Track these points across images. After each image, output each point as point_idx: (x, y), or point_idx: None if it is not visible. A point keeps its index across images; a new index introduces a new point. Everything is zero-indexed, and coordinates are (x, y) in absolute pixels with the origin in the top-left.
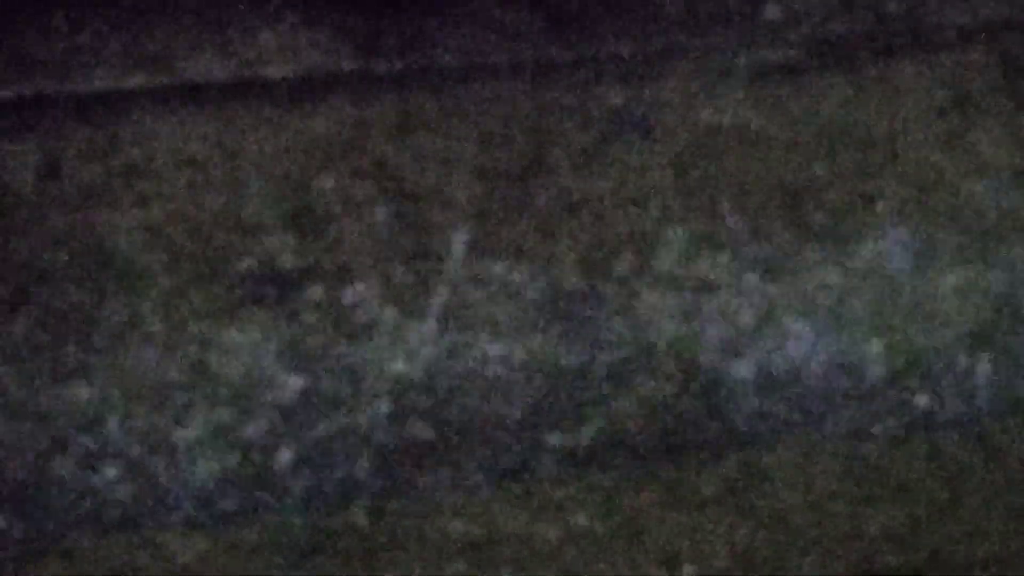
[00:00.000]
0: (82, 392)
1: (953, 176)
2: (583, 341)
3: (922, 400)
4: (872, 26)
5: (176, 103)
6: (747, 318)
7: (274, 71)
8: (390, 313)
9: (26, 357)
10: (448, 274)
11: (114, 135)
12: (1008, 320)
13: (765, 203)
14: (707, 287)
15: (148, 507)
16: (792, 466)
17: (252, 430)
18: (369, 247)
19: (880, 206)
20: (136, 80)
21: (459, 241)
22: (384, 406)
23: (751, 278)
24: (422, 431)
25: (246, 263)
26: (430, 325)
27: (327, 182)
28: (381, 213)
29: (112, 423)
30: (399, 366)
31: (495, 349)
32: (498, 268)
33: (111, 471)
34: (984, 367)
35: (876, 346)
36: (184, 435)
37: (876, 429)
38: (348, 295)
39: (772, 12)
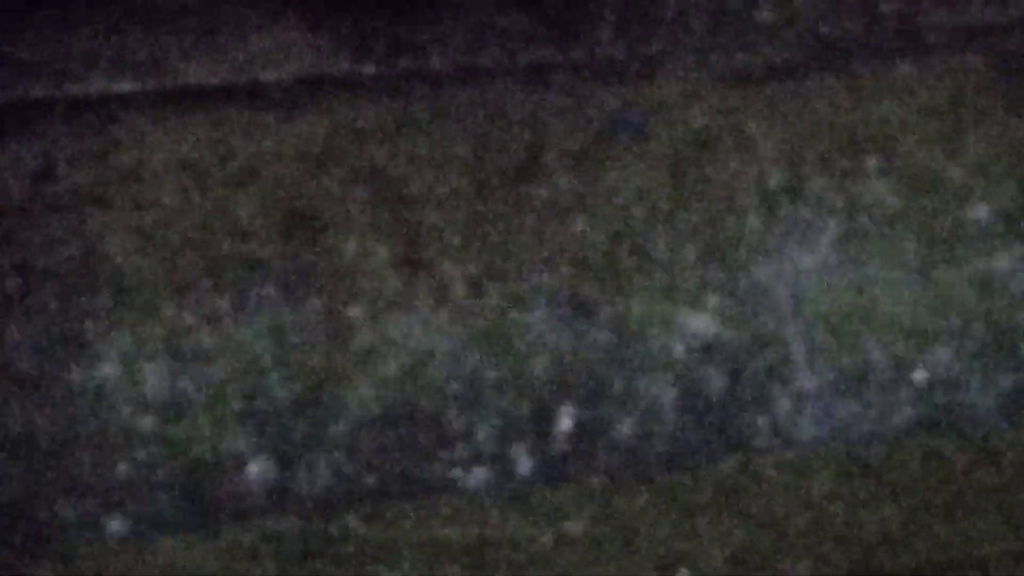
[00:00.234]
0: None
1: (946, 176)
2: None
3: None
4: (866, 28)
5: (170, 107)
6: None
7: (267, 75)
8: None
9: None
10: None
11: (108, 139)
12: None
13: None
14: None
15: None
16: (787, 469)
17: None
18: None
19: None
20: (130, 84)
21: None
22: (376, 409)
23: (745, 283)
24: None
25: (240, 267)
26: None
27: (321, 185)
28: (375, 216)
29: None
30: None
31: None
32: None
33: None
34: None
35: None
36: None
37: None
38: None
39: (766, 14)
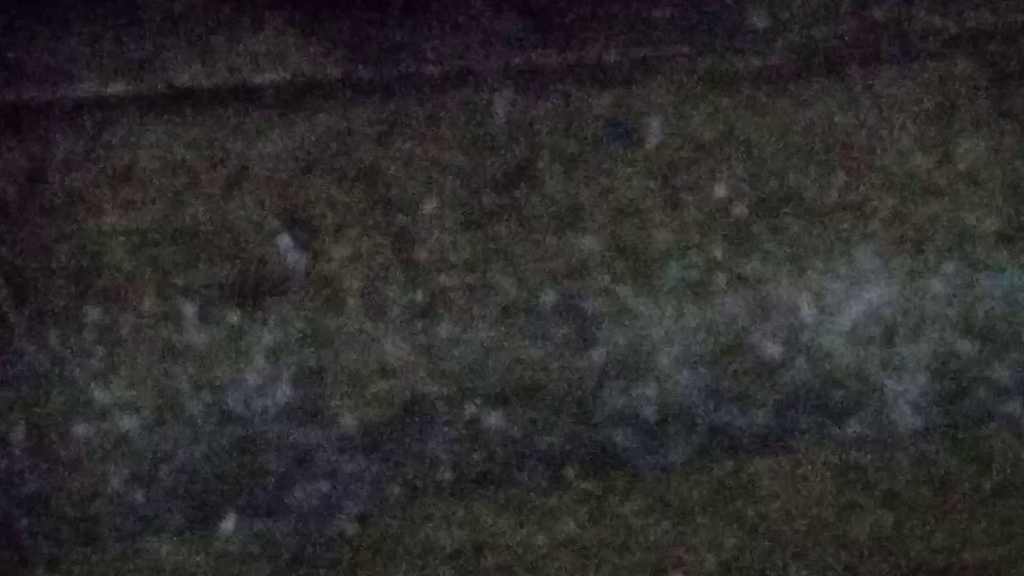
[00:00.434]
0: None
1: (938, 183)
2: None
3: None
4: (858, 33)
5: (162, 109)
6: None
7: (260, 77)
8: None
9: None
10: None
11: (100, 141)
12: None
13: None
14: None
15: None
16: (779, 473)
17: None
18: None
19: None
20: (122, 86)
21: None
22: (373, 414)
23: (737, 285)
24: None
25: (233, 269)
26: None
27: (314, 189)
28: (367, 220)
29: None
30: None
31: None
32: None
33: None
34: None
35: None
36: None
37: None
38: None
39: (758, 19)
